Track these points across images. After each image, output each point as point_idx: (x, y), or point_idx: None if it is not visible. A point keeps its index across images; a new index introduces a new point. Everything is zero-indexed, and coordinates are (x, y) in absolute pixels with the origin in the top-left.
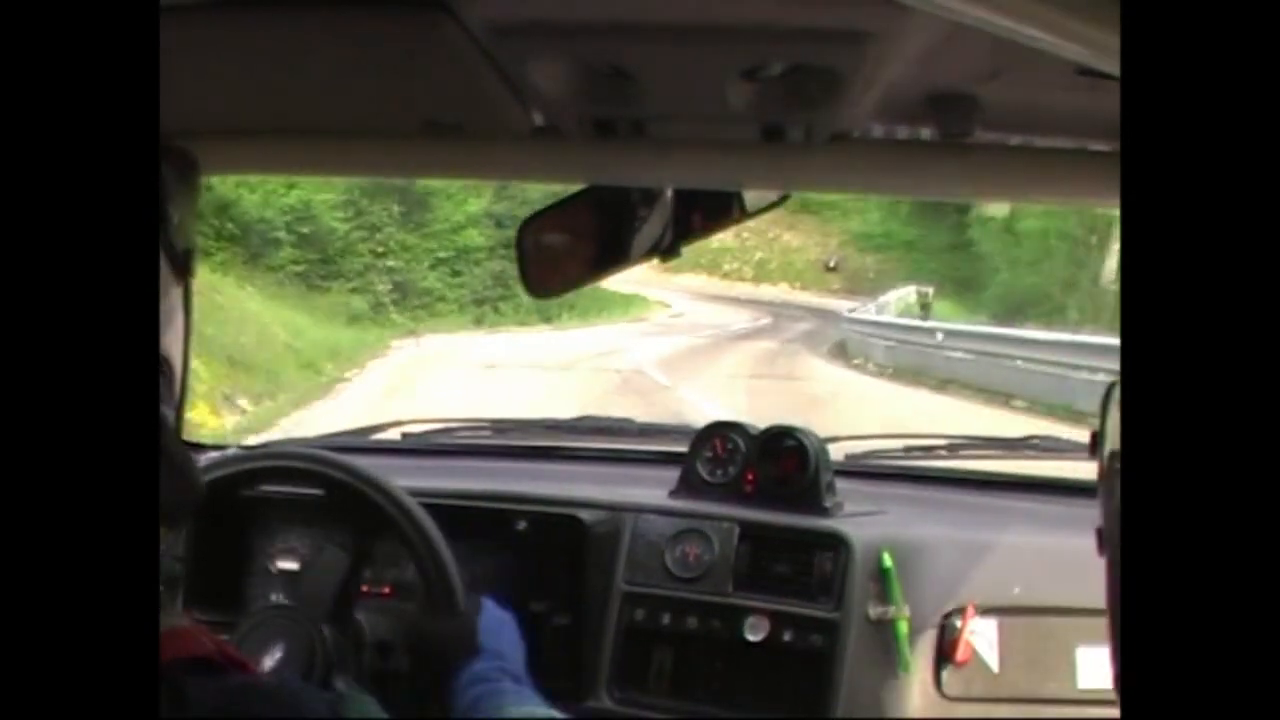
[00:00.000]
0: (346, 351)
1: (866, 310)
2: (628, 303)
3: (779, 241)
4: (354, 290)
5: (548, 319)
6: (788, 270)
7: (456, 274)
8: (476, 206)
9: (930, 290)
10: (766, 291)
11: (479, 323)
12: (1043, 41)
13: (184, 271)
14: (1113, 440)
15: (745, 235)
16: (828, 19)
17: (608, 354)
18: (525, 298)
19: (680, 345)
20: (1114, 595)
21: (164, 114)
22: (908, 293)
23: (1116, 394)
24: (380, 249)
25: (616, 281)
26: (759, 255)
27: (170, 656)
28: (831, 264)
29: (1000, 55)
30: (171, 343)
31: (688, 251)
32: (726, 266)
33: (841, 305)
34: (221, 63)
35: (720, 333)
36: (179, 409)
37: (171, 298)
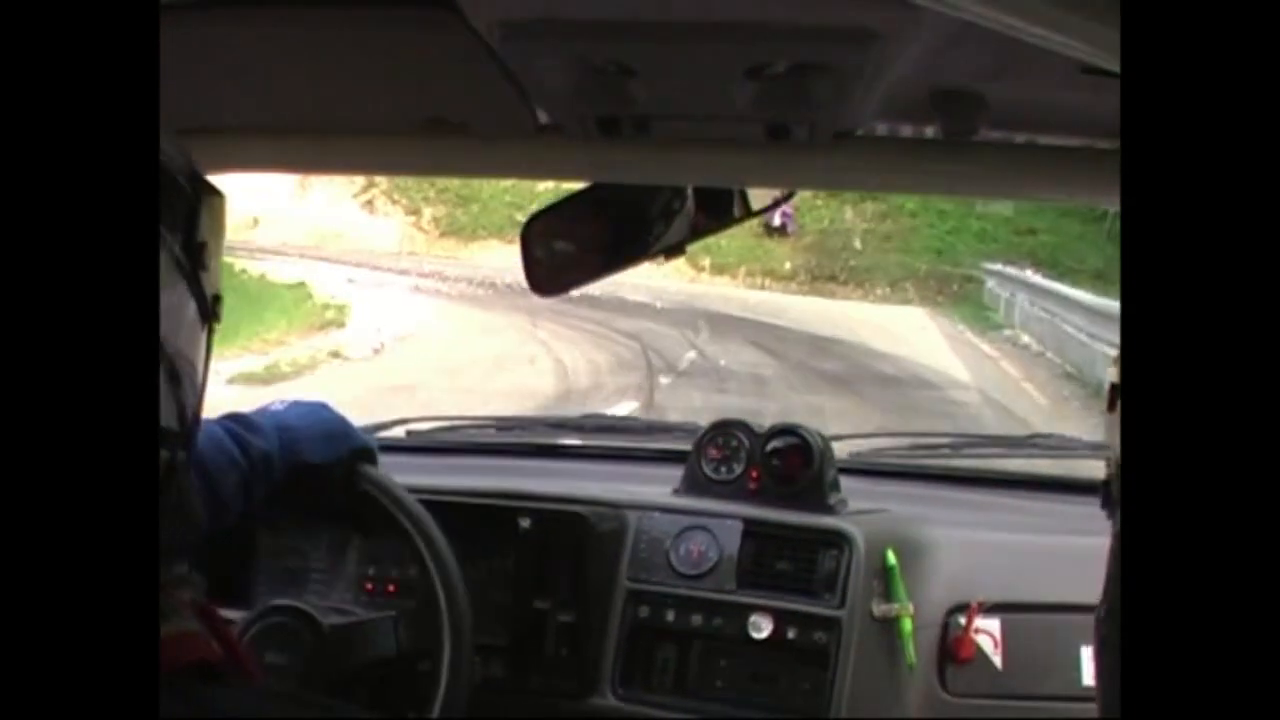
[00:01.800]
0: None
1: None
2: (261, 304)
3: None
4: None
5: None
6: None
7: None
8: None
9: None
10: (632, 282)
11: None
12: (1046, 39)
13: (211, 317)
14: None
15: None
16: (832, 17)
17: None
18: None
19: None
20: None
21: (170, 112)
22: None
23: None
24: None
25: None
26: None
27: (175, 662)
28: (778, 222)
29: (1004, 53)
30: (194, 396)
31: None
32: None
33: (825, 317)
34: (227, 60)
35: None
36: (187, 455)
37: (198, 346)
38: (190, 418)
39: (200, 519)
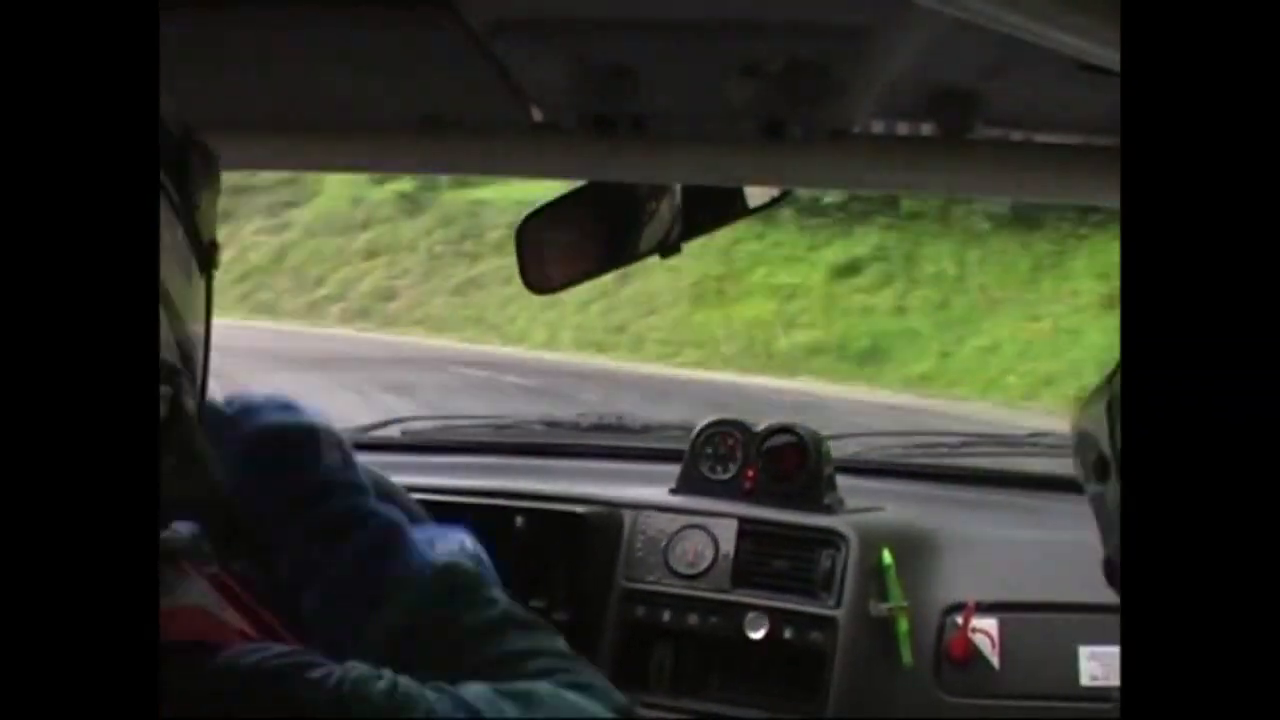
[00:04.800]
0: None
1: None
2: None
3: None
4: None
5: None
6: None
7: None
8: None
9: None
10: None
11: None
12: (1044, 36)
13: (208, 264)
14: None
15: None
16: (828, 15)
17: None
18: None
19: None
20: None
21: (163, 110)
22: None
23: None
24: None
25: None
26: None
27: (175, 638)
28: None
29: (1002, 50)
30: (196, 335)
31: None
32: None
33: None
34: (220, 58)
35: None
36: (200, 404)
37: (197, 290)
38: (197, 363)
39: (210, 468)
